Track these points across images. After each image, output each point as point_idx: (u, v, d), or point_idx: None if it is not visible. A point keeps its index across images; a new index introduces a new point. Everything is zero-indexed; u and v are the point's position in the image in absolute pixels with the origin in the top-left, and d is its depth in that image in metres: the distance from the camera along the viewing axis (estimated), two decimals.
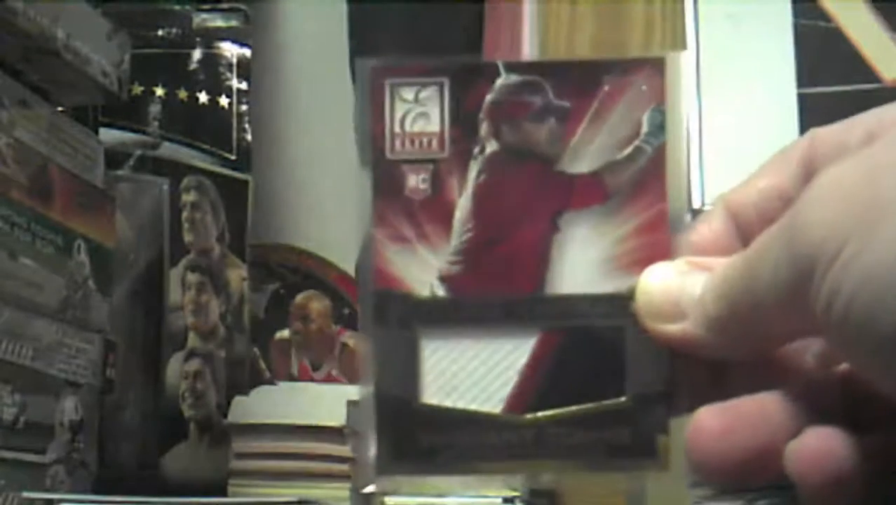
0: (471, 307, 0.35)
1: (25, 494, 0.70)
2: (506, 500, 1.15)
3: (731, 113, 0.70)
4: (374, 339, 0.35)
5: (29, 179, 0.75)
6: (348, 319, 1.24)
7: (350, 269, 1.22)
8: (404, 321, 0.35)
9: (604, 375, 0.35)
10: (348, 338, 1.31)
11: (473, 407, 0.35)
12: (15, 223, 0.73)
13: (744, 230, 0.35)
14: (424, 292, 0.35)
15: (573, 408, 0.35)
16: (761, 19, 0.71)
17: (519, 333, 0.35)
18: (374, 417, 0.35)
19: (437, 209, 0.35)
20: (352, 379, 1.30)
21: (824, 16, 0.71)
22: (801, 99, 0.69)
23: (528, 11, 1.18)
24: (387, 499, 1.13)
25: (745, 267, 0.31)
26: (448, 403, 0.35)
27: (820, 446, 0.30)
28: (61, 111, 0.83)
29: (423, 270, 0.35)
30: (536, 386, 0.35)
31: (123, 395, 0.95)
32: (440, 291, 0.35)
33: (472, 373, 0.35)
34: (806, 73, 0.70)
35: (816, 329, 0.29)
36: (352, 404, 1.03)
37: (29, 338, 0.74)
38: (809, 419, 0.31)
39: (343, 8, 1.28)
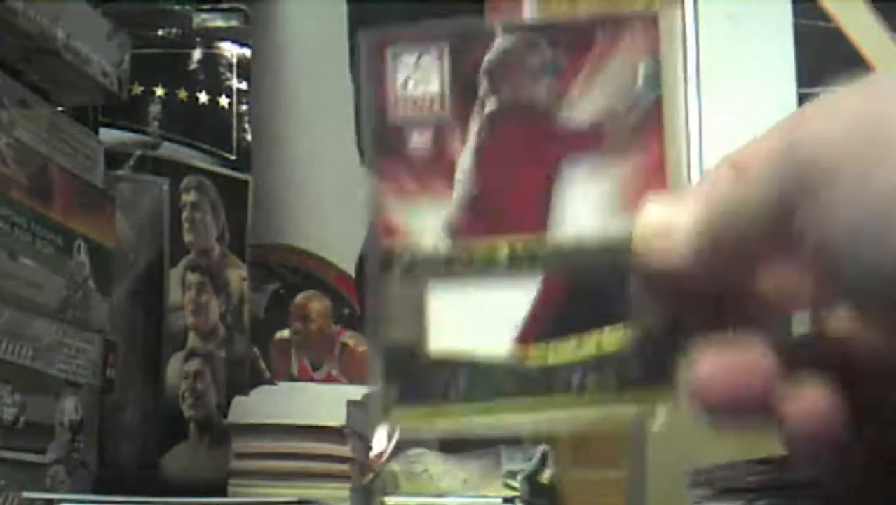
0: (475, 254, 0.36)
1: (25, 494, 0.70)
2: (506, 500, 1.15)
3: (731, 113, 0.70)
4: (381, 290, 0.36)
5: (29, 179, 0.75)
6: (348, 319, 1.24)
7: (350, 269, 1.22)
8: (410, 271, 0.36)
9: (609, 314, 0.35)
10: (348, 338, 1.32)
11: (481, 350, 0.35)
12: (15, 223, 0.73)
13: None
14: (429, 243, 0.36)
15: (581, 350, 0.35)
16: (761, 19, 0.71)
17: (523, 277, 0.36)
18: (381, 365, 0.35)
19: (439, 164, 0.36)
20: (352, 379, 1.30)
21: (824, 16, 0.71)
22: (802, 99, 0.69)
23: (528, 11, 1.18)
24: (387, 499, 1.13)
25: (737, 181, 0.31)
26: (455, 348, 0.35)
27: (814, 404, 0.31)
28: (61, 111, 0.83)
29: (427, 222, 0.36)
30: (542, 327, 0.35)
31: (123, 395, 0.95)
32: (444, 241, 0.36)
33: (479, 318, 0.36)
34: (806, 73, 0.70)
35: (801, 250, 0.30)
36: (352, 404, 1.03)
37: (29, 338, 0.74)
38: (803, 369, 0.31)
39: (343, 8, 1.28)
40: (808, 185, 0.28)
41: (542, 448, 1.24)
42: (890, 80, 0.29)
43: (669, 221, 0.33)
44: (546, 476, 1.24)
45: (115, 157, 0.98)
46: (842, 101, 0.29)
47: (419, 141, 0.36)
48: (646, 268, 0.34)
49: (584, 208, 0.36)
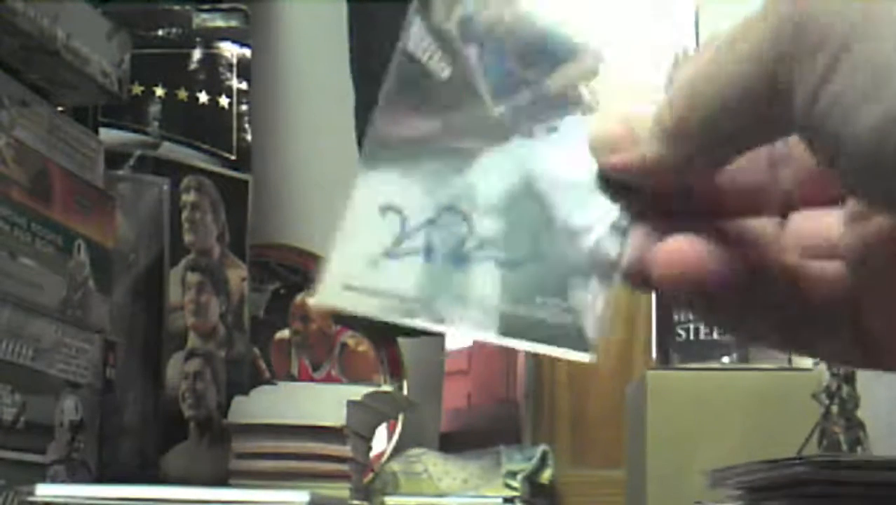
0: None
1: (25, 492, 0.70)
2: (506, 500, 1.15)
3: None
4: None
5: (29, 179, 0.75)
6: (348, 319, 1.24)
7: None
8: None
9: None
10: (348, 338, 1.32)
11: None
12: (15, 223, 0.73)
13: None
14: None
15: None
16: None
17: None
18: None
19: None
20: (352, 379, 1.31)
21: None
22: None
23: None
24: (387, 499, 1.13)
25: (726, 54, 0.30)
26: None
27: (676, 245, 0.31)
28: (61, 111, 0.83)
29: None
30: None
31: (123, 395, 0.95)
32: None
33: None
34: None
35: (783, 126, 0.29)
36: (352, 404, 1.03)
37: (29, 338, 0.74)
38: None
39: (343, 8, 1.28)
40: (813, 50, 0.27)
41: (542, 448, 1.24)
42: None
43: (629, 119, 0.32)
44: (546, 476, 1.24)
45: (115, 157, 0.98)
46: None
47: None
48: (606, 170, 0.33)
49: None
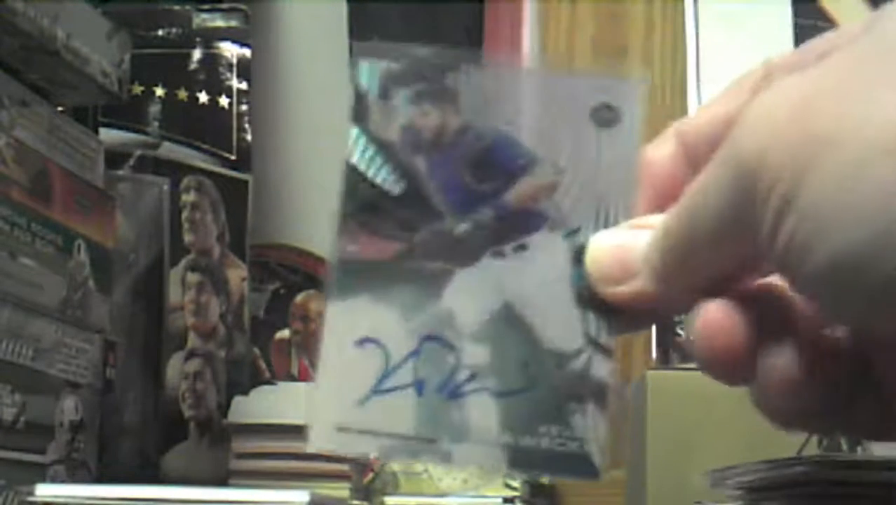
0: None
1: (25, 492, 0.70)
2: (506, 500, 1.15)
3: None
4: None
5: (29, 179, 0.75)
6: None
7: None
8: None
9: None
10: None
11: None
12: (15, 223, 0.73)
13: (692, 158, 0.35)
14: None
15: None
16: (761, 19, 0.71)
17: None
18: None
19: None
20: None
21: (824, 16, 0.71)
22: None
23: (528, 11, 1.18)
24: (387, 499, 1.13)
25: (687, 203, 0.31)
26: None
27: (716, 316, 0.31)
28: (61, 111, 0.83)
29: None
30: None
31: (123, 395, 0.95)
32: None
33: None
34: None
35: (759, 260, 0.30)
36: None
37: (29, 338, 0.74)
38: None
39: (343, 8, 1.28)
40: (765, 195, 0.28)
41: None
42: (824, 79, 0.29)
43: (624, 251, 0.33)
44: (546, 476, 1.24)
45: (115, 157, 0.98)
46: (776, 101, 0.29)
47: None
48: (606, 299, 0.34)
49: None
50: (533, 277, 0.34)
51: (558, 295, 0.34)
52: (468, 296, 0.34)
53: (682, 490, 0.86)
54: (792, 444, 0.84)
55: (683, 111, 1.02)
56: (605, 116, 0.35)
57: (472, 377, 0.33)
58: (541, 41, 1.17)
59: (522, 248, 0.34)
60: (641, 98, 0.35)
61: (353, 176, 0.35)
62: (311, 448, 0.33)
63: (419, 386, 0.33)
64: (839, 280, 0.27)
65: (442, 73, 0.35)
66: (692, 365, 1.03)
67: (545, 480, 1.21)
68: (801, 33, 0.70)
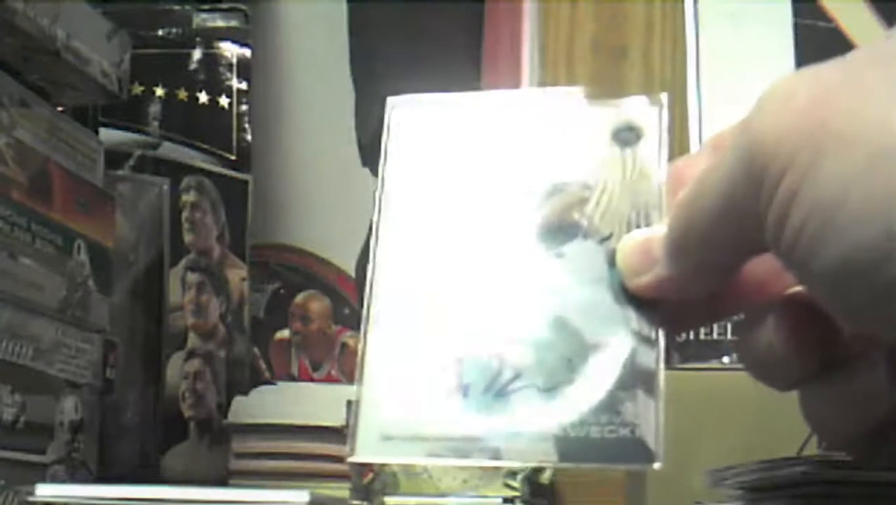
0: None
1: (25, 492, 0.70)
2: (506, 500, 1.15)
3: (732, 113, 0.70)
4: None
5: (29, 179, 0.75)
6: (348, 319, 1.24)
7: (350, 269, 1.22)
8: None
9: None
10: (348, 338, 1.31)
11: None
12: (15, 223, 0.73)
13: None
14: None
15: None
16: (761, 19, 0.71)
17: None
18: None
19: None
20: (352, 379, 1.30)
21: (824, 16, 0.71)
22: None
23: (528, 11, 1.18)
24: (387, 499, 1.13)
25: (701, 181, 0.32)
26: None
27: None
28: (61, 111, 0.83)
29: None
30: None
31: (123, 395, 0.95)
32: None
33: None
34: None
35: (766, 246, 0.30)
36: (352, 404, 1.03)
37: (29, 338, 0.74)
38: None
39: (343, 8, 1.28)
40: (773, 184, 0.29)
41: None
42: (848, 72, 0.29)
43: (648, 241, 0.34)
44: (546, 476, 1.24)
45: (115, 157, 0.98)
46: (794, 88, 0.29)
47: None
48: (634, 292, 0.35)
49: None
50: (571, 279, 0.35)
51: (597, 294, 0.35)
52: (509, 301, 0.35)
53: (682, 490, 0.86)
54: (792, 444, 0.84)
55: (683, 111, 1.02)
56: (626, 137, 0.37)
57: (517, 376, 0.34)
58: (541, 41, 1.17)
59: (560, 255, 0.36)
60: (661, 115, 0.37)
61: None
62: (356, 458, 0.33)
63: (465, 389, 0.34)
64: (848, 280, 0.27)
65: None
66: (692, 365, 1.03)
67: (545, 480, 1.21)
68: (801, 33, 0.70)
